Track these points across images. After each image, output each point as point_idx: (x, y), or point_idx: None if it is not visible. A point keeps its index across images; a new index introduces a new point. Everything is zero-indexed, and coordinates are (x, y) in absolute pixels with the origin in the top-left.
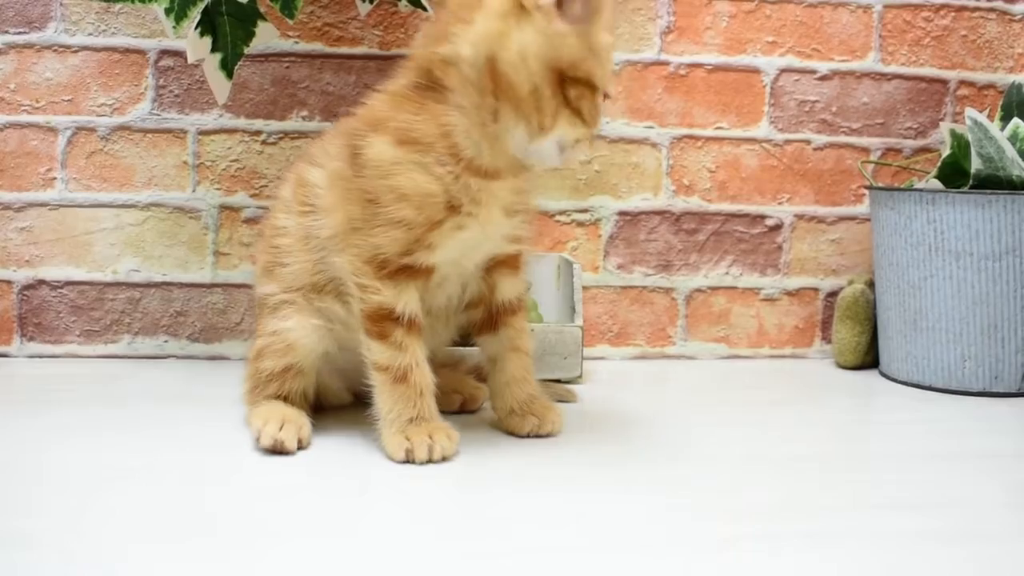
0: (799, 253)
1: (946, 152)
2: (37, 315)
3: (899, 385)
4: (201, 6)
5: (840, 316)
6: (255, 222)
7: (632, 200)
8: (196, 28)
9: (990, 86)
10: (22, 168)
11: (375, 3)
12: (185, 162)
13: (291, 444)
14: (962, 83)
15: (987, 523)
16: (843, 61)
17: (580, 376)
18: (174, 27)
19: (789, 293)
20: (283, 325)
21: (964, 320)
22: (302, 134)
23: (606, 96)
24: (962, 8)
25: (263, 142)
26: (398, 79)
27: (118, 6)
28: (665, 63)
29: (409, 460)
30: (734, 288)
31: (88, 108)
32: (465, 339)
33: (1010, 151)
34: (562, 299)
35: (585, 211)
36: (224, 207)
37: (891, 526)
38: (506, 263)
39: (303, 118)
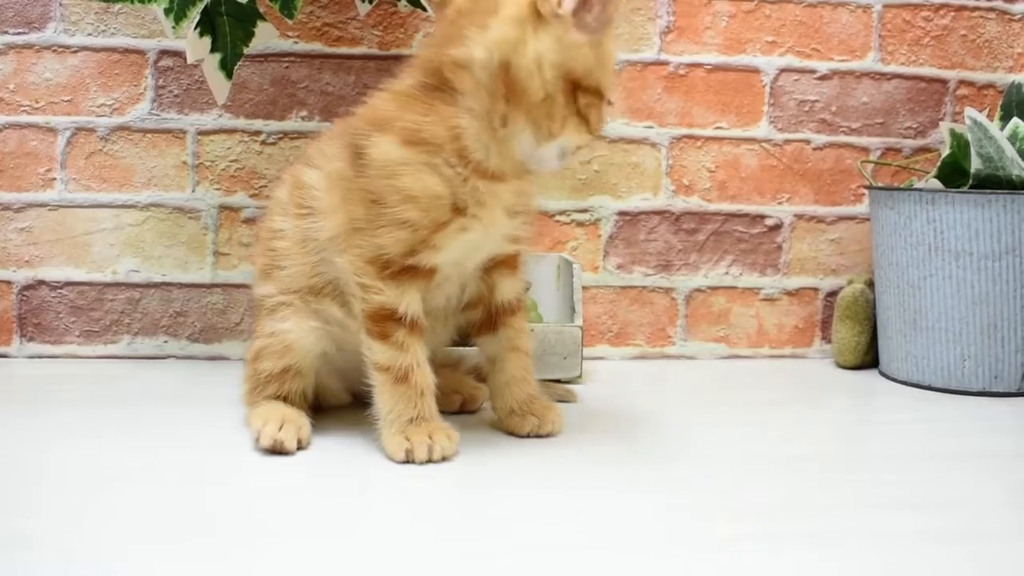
0: (799, 253)
1: (946, 152)
2: (37, 315)
3: (899, 385)
4: (200, 6)
5: (840, 316)
6: (254, 222)
7: (632, 200)
8: (195, 28)
9: (990, 86)
10: (22, 168)
11: (374, 3)
12: (184, 162)
13: (291, 444)
14: (962, 83)
15: (987, 522)
16: (843, 61)
17: (580, 376)
18: (173, 27)
19: (789, 293)
20: (281, 327)
21: (964, 320)
22: (301, 134)
23: (608, 103)
24: (961, 8)
25: (263, 142)
26: (403, 79)
27: (117, 6)
28: (665, 63)
29: (409, 460)
30: (734, 288)
31: (87, 108)
32: (464, 339)
33: (1010, 151)
34: (562, 299)
35: (585, 211)
36: (224, 207)
37: (891, 526)
38: (505, 263)
39: (302, 118)
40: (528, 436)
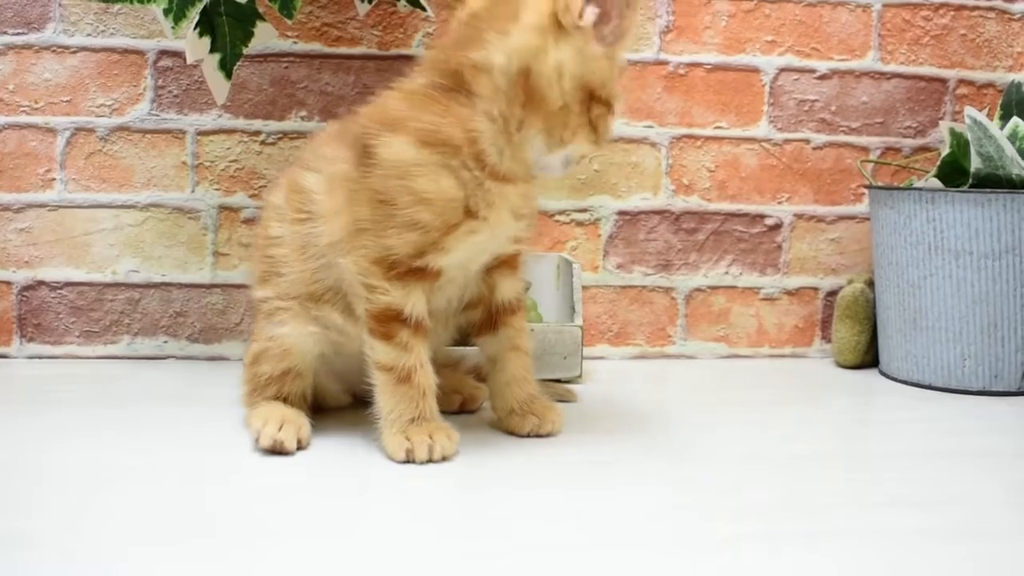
0: (799, 252)
1: (945, 151)
2: (36, 316)
3: (899, 384)
4: (200, 6)
5: (840, 315)
6: (254, 222)
7: (631, 200)
8: (195, 28)
9: (989, 85)
10: (21, 169)
11: (374, 3)
12: (184, 162)
13: (290, 444)
14: (961, 82)
15: (987, 521)
16: (842, 60)
17: (580, 376)
18: (173, 27)
19: (789, 292)
20: (279, 332)
21: (964, 319)
22: (301, 134)
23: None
24: (961, 7)
25: (262, 142)
26: (414, 78)
27: (117, 7)
28: (664, 62)
29: (409, 460)
30: (734, 287)
31: (87, 109)
32: (464, 339)
33: (1009, 150)
34: (562, 299)
35: (584, 211)
36: (223, 207)
37: (891, 524)
38: (506, 263)
39: (302, 118)
40: (528, 436)
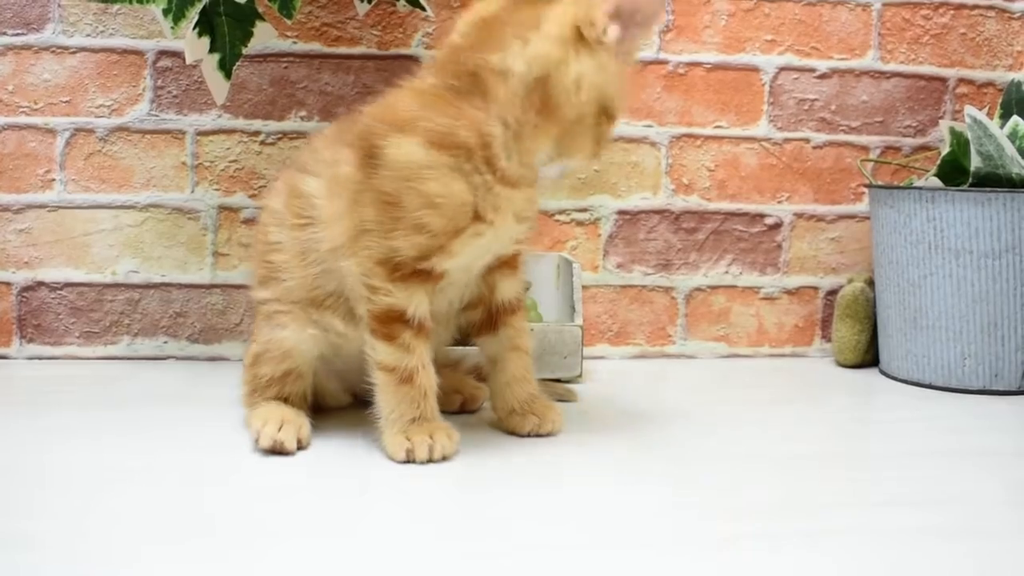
0: (799, 252)
1: (945, 150)
2: (36, 317)
3: (899, 383)
4: (199, 6)
5: (840, 314)
6: (254, 222)
7: (631, 199)
8: (194, 28)
9: (989, 84)
10: (21, 170)
11: (373, 3)
12: (184, 163)
13: (290, 444)
14: (961, 81)
15: (987, 520)
16: (842, 59)
17: (580, 375)
18: (172, 28)
19: (789, 292)
20: (280, 334)
21: (964, 318)
22: (300, 134)
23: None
24: (961, 6)
25: (262, 142)
26: (424, 78)
27: (116, 7)
28: (664, 62)
29: (410, 460)
30: (734, 287)
31: (86, 109)
32: (464, 339)
33: (1009, 149)
34: (562, 298)
35: (584, 210)
36: (223, 208)
37: (891, 523)
38: (506, 263)
39: (302, 118)
40: (529, 435)
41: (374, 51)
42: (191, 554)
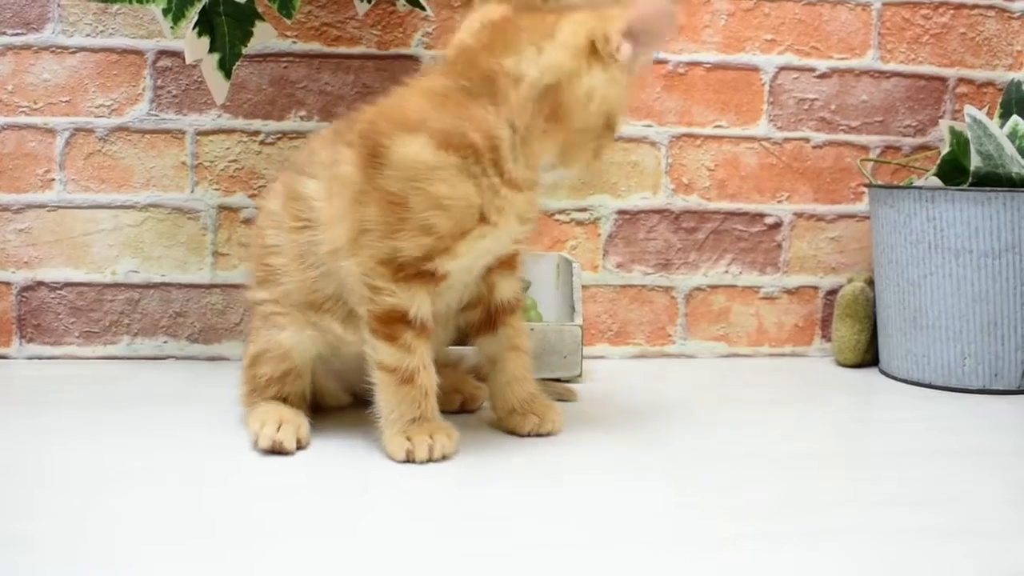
0: (798, 251)
1: (945, 150)
2: (36, 316)
3: (899, 383)
4: (199, 6)
5: (840, 314)
6: (253, 222)
7: (631, 199)
8: (194, 28)
9: (989, 83)
10: (20, 169)
11: (373, 2)
12: (183, 163)
13: (290, 444)
14: (961, 80)
15: (987, 519)
16: (842, 59)
17: (580, 375)
18: (172, 27)
19: (789, 291)
20: (278, 336)
21: (964, 318)
22: (300, 134)
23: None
24: (961, 5)
25: (261, 142)
26: (433, 78)
27: (116, 7)
28: (664, 61)
29: (410, 460)
30: (734, 286)
31: (86, 109)
32: (462, 339)
33: (1009, 148)
34: (561, 298)
35: (584, 210)
36: (223, 207)
37: (891, 523)
38: (505, 263)
39: (301, 118)
40: (529, 435)
41: (374, 51)
42: (191, 554)
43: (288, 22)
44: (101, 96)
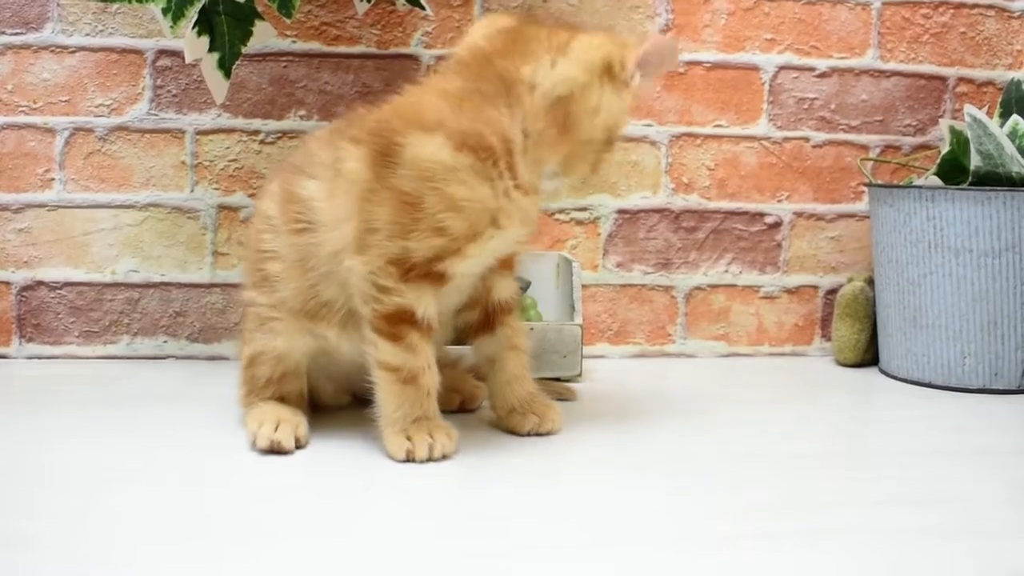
0: (798, 251)
1: (945, 149)
2: (36, 316)
3: (899, 382)
4: (198, 5)
5: (840, 313)
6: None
7: (631, 198)
8: (193, 28)
9: (989, 83)
10: (20, 169)
11: (372, 2)
12: (183, 162)
13: (288, 444)
14: (961, 80)
15: (987, 519)
16: (842, 58)
17: (580, 374)
18: (171, 27)
19: (788, 291)
20: (274, 341)
21: (964, 317)
22: (300, 133)
23: None
24: (961, 5)
25: (261, 142)
26: (449, 79)
27: (115, 6)
28: None
29: (410, 459)
30: (733, 286)
31: (86, 108)
32: (459, 339)
33: (1009, 148)
34: (561, 297)
35: (584, 209)
36: (222, 207)
37: (891, 522)
38: (504, 264)
39: (301, 117)
40: (528, 434)
41: (373, 50)
42: (190, 554)
43: (288, 21)
44: (101, 96)
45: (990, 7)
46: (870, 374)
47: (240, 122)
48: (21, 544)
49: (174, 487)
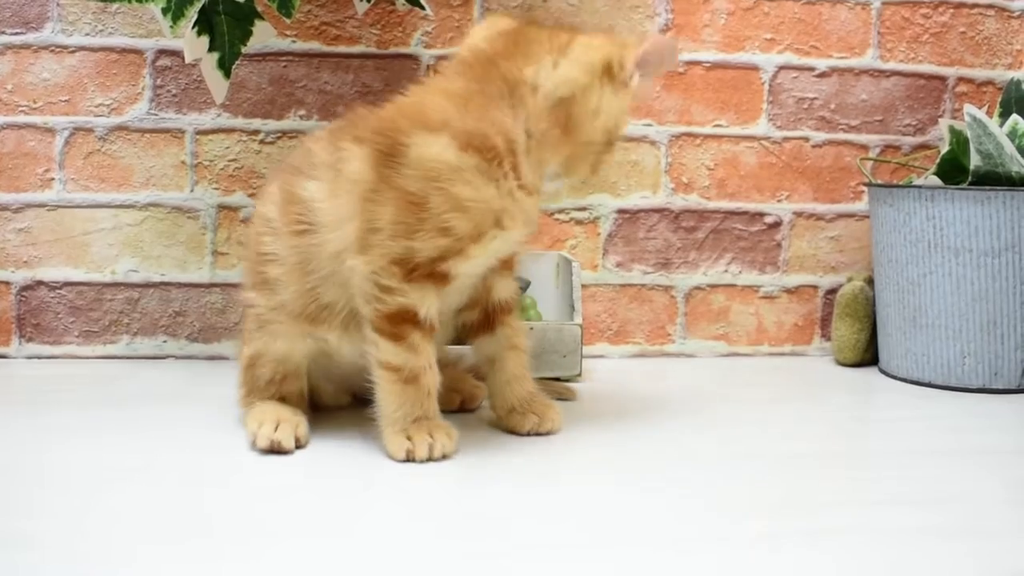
0: (798, 250)
1: (945, 149)
2: (36, 316)
3: (898, 382)
4: (198, 5)
5: (839, 313)
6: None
7: (631, 198)
8: (193, 27)
9: (989, 83)
10: (20, 169)
11: (372, 2)
12: (183, 162)
13: (288, 444)
14: (961, 80)
15: (987, 519)
16: (842, 58)
17: (579, 374)
18: (171, 27)
19: (788, 290)
20: (273, 343)
21: (963, 317)
22: (300, 133)
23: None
24: (960, 5)
25: (261, 141)
26: (453, 79)
27: (115, 6)
28: None
29: (410, 459)
30: (733, 286)
31: (86, 108)
32: (459, 339)
33: (1009, 147)
34: (561, 297)
35: (584, 209)
36: (222, 207)
37: (891, 522)
38: (504, 263)
39: (301, 117)
40: (528, 434)
41: (373, 50)
42: (190, 554)
43: (287, 21)
44: (100, 95)
45: (990, 7)
46: (870, 374)
47: (240, 122)
48: (21, 544)
49: (174, 487)
